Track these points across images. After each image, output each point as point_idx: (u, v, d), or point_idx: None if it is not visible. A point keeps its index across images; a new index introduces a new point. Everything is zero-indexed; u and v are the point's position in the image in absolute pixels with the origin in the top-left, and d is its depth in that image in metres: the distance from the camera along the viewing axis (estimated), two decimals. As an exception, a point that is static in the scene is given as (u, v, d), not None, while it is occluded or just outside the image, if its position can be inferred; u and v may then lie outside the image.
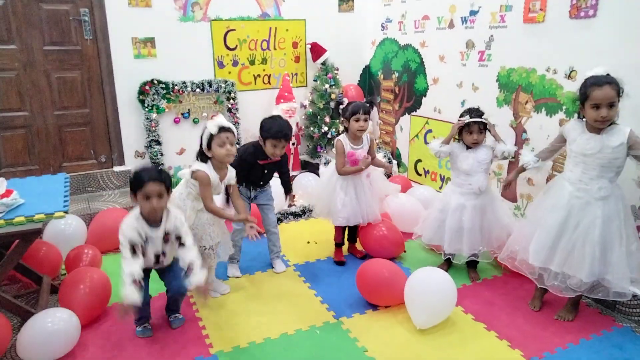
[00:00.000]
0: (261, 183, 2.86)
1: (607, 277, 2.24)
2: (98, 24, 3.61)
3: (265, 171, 2.82)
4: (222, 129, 2.34)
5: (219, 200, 2.62)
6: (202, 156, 2.41)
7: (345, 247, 3.23)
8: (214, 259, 2.60)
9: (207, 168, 2.38)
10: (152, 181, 2.05)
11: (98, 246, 2.96)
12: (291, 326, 2.43)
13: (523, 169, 2.57)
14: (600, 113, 2.12)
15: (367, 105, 2.86)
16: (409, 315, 2.42)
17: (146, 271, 2.23)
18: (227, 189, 2.57)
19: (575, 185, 2.28)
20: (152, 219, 2.14)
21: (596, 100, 2.12)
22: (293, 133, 4.16)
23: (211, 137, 2.34)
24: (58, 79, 3.62)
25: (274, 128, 2.64)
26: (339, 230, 3.09)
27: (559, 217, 2.31)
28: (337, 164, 2.88)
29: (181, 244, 2.20)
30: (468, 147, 2.73)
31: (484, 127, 2.69)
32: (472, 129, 2.67)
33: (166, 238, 2.19)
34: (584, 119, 2.27)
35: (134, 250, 2.09)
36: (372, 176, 3.02)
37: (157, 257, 2.22)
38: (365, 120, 2.83)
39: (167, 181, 2.11)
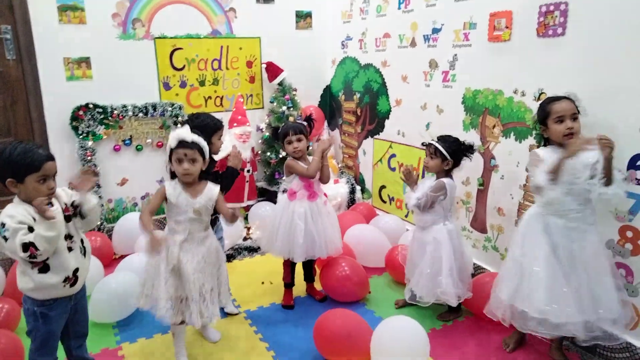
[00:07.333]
0: None
1: (594, 316, 2.02)
2: (23, 43, 3.22)
3: None
4: (182, 144, 2.03)
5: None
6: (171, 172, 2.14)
7: (301, 289, 2.91)
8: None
9: (170, 184, 2.10)
10: (50, 160, 1.76)
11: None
12: (237, 391, 2.09)
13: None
14: (566, 124, 2.02)
15: (300, 124, 2.61)
16: (372, 372, 2.12)
17: (57, 335, 1.89)
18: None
19: (569, 216, 2.05)
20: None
21: (558, 112, 2.03)
22: (248, 159, 3.86)
23: (171, 151, 2.07)
24: (-24, 104, 3.20)
25: None
26: (288, 268, 2.77)
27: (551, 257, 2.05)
28: (302, 171, 2.56)
29: (81, 215, 1.89)
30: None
31: (434, 152, 2.46)
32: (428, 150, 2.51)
33: (66, 212, 1.83)
34: (551, 146, 2.12)
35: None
36: (328, 204, 2.73)
37: (67, 238, 1.83)
38: (299, 140, 2.57)
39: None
